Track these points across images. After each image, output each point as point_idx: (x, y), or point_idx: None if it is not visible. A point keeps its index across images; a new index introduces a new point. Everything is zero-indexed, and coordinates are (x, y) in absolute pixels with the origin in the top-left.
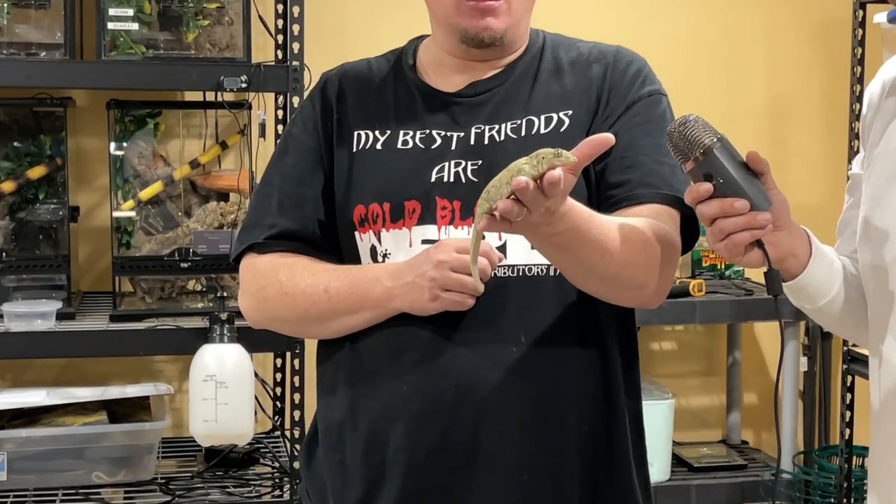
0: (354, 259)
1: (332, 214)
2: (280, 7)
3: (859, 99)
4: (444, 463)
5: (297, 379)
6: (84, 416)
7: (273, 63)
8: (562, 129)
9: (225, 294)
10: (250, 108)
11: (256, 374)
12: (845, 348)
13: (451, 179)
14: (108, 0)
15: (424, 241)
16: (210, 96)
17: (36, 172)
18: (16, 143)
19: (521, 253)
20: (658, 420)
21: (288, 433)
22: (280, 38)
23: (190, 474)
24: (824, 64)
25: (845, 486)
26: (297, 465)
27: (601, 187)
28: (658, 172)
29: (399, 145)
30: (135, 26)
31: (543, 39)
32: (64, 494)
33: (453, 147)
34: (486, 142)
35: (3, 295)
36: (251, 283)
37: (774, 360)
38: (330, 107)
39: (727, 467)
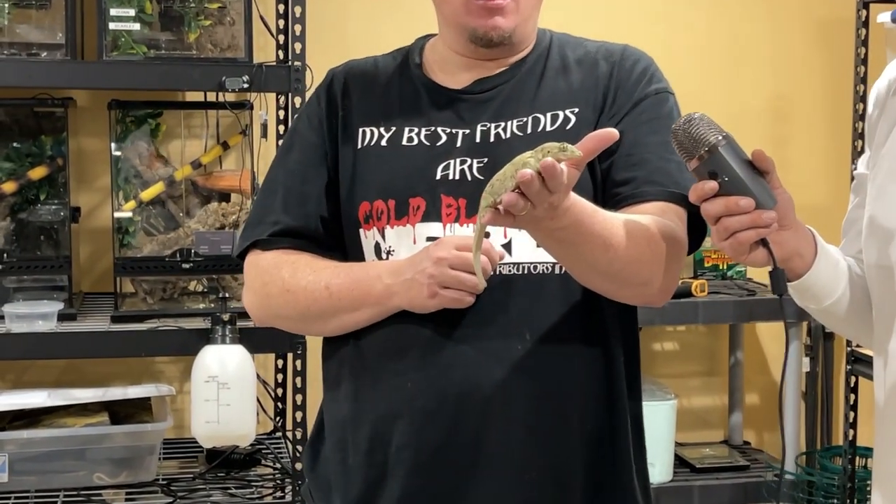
0: (359, 256)
1: (337, 211)
2: (281, 7)
3: (863, 99)
4: (449, 461)
5: (298, 380)
6: (85, 418)
7: (274, 63)
8: (568, 127)
9: (227, 295)
10: (252, 108)
11: (258, 375)
12: (848, 349)
13: (457, 177)
14: (109, 0)
15: (429, 239)
16: (211, 96)
17: (37, 173)
18: (17, 144)
19: (527, 251)
20: (660, 421)
21: (290, 434)
22: (281, 38)
23: (192, 475)
24: (828, 64)
25: (849, 486)
26: (299, 466)
27: (607, 185)
28: (664, 170)
29: (404, 142)
30: (136, 26)
31: (550, 38)
32: (65, 496)
33: (459, 144)
34: (491, 139)
35: (5, 296)
36: (254, 280)
37: (776, 360)
38: (335, 103)
39: (730, 468)
